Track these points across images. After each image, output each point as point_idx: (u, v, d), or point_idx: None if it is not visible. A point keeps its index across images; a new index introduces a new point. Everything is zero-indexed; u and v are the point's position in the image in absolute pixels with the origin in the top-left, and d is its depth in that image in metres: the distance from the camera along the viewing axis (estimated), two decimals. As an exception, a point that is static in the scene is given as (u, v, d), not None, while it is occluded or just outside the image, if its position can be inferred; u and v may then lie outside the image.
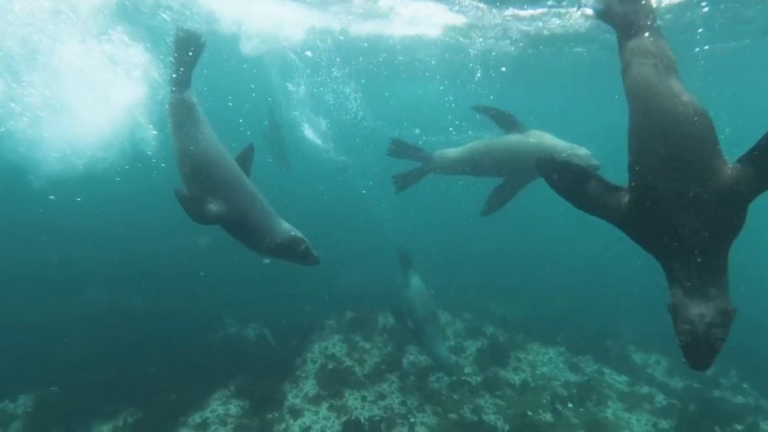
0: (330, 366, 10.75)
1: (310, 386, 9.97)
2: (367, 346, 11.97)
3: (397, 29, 14.88)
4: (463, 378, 10.86)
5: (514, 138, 6.85)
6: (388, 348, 11.87)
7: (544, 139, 6.64)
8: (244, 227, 4.88)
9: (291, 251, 4.81)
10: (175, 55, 5.55)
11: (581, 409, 10.33)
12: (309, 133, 18.26)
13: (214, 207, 4.69)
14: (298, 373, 10.50)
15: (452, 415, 9.60)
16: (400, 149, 7.83)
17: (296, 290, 15.87)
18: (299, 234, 4.90)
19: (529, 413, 10.05)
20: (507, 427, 9.44)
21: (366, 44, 16.35)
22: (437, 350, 9.80)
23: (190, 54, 5.54)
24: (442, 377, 10.71)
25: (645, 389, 11.32)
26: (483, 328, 13.71)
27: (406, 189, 8.07)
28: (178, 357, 10.75)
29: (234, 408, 9.27)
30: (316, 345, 11.78)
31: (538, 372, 11.58)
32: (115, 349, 11.13)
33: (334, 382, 10.06)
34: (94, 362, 10.50)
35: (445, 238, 25.20)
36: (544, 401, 10.51)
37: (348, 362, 10.98)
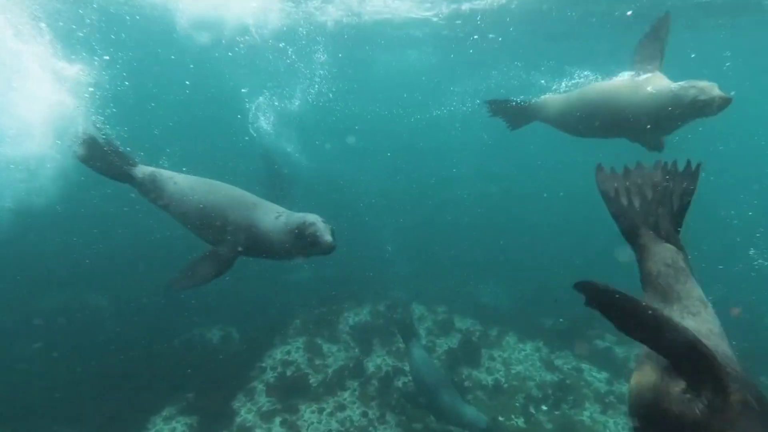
0: (288, 373, 10.08)
1: (264, 399, 9.29)
2: (333, 348, 11.28)
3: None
4: (432, 382, 10.20)
5: (618, 83, 5.47)
6: (355, 350, 11.20)
7: (655, 80, 5.13)
8: (258, 240, 4.62)
9: (303, 239, 4.32)
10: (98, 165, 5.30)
11: (556, 412, 9.73)
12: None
13: (231, 249, 4.62)
14: (254, 384, 9.82)
15: (417, 425, 8.97)
16: (498, 107, 7.06)
17: (264, 290, 15.24)
18: (311, 217, 4.39)
19: (500, 418, 9.46)
20: (475, 436, 8.81)
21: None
22: (462, 413, 8.35)
23: (101, 162, 5.26)
24: (408, 382, 10.07)
25: (625, 387, 10.72)
26: (457, 323, 13.06)
27: (499, 117, 7.18)
28: (129, 368, 10.10)
29: (180, 427, 8.59)
30: (278, 350, 11.09)
31: (512, 371, 10.95)
32: (62, 359, 10.46)
33: (291, 393, 9.39)
34: (35, 372, 9.83)
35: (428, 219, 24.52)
36: (517, 404, 9.90)
37: (308, 370, 10.30)
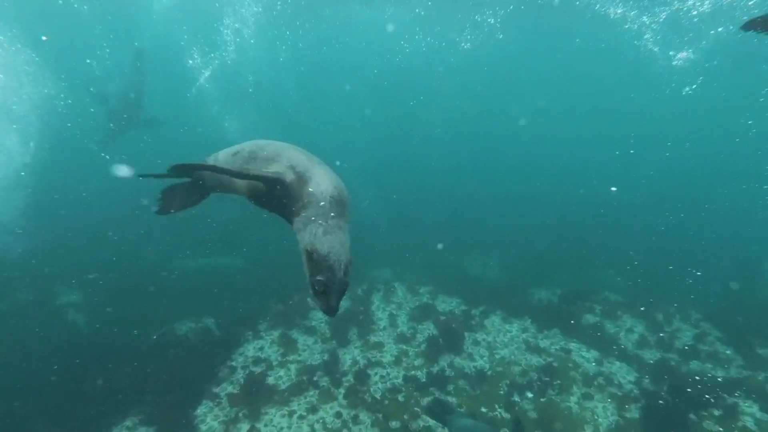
0: (258, 372, 9.54)
1: (231, 405, 8.76)
2: (309, 341, 10.74)
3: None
4: (411, 373, 9.70)
5: None
6: (332, 342, 10.65)
7: None
8: (283, 203, 3.32)
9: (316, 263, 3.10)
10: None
11: (542, 399, 9.24)
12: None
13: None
14: (223, 386, 9.28)
15: (394, 423, 8.49)
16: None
17: (242, 282, 14.70)
18: (335, 255, 2.93)
19: (483, 410, 8.97)
20: None
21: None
22: None
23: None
24: (386, 376, 9.56)
25: (615, 366, 10.23)
26: (440, 305, 12.50)
27: None
28: (93, 372, 9.59)
29: (141, 439, 8.10)
30: (251, 345, 10.55)
31: (496, 356, 10.43)
32: (26, 362, 9.96)
33: (260, 396, 8.87)
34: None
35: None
36: (501, 392, 9.41)
37: (280, 368, 9.76)
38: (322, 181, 3.14)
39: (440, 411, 8.19)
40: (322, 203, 3.02)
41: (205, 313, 12.33)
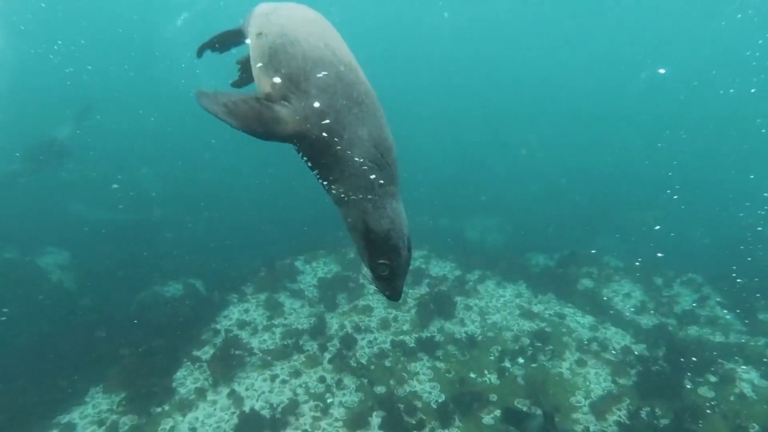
0: (242, 336, 9.29)
1: (211, 368, 8.50)
2: (296, 305, 10.45)
3: None
4: (400, 338, 9.42)
5: None
6: (320, 306, 10.36)
7: None
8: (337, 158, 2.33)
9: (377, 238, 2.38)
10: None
11: (533, 365, 8.97)
12: None
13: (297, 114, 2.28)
14: (205, 349, 9.03)
15: (379, 389, 8.25)
16: None
17: (233, 240, 14.42)
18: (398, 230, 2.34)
19: (472, 375, 8.72)
20: (442, 397, 8.11)
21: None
22: None
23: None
24: (374, 341, 9.29)
25: (610, 331, 9.93)
26: (433, 269, 12.15)
27: None
28: (73, 337, 9.38)
29: (116, 401, 7.87)
30: (236, 308, 10.27)
31: (489, 321, 10.13)
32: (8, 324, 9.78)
33: (242, 360, 8.62)
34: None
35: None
36: (492, 358, 9.14)
37: (264, 332, 9.49)
38: (357, 136, 2.26)
39: (516, 419, 7.47)
40: (364, 169, 2.26)
41: (193, 275, 12.08)
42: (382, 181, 2.28)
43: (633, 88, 35.12)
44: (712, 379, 8.30)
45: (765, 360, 8.76)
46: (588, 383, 8.54)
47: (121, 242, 14.50)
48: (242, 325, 9.69)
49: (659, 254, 13.08)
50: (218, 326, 9.69)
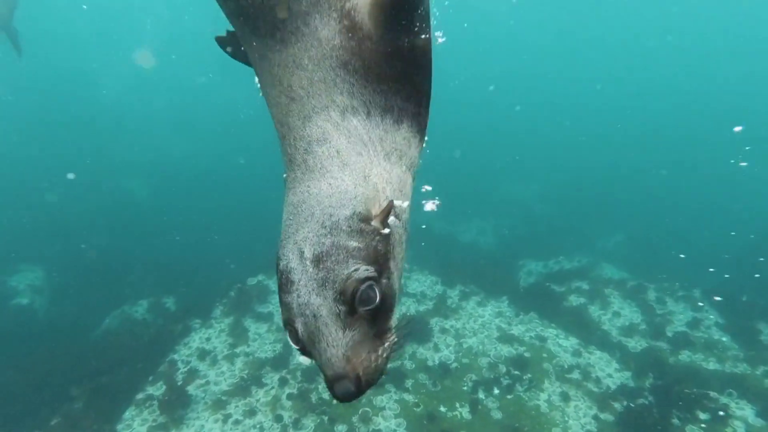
0: (200, 369, 8.78)
1: (162, 407, 8.00)
2: (262, 329, 9.91)
3: None
4: (367, 368, 8.83)
5: None
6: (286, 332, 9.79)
7: None
8: None
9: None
10: None
11: (509, 396, 8.34)
12: None
13: None
14: (158, 384, 8.54)
15: (340, 428, 7.70)
16: None
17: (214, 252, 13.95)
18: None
19: (442, 409, 8.12)
20: (406, 437, 7.54)
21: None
22: None
23: None
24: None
25: (594, 356, 9.24)
26: (412, 284, 11.52)
27: None
28: (27, 376, 8.90)
29: (62, 447, 7.44)
30: (197, 335, 9.77)
31: (464, 346, 9.49)
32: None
33: (195, 398, 8.12)
34: None
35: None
36: (465, 388, 8.52)
37: (224, 363, 8.97)
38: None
39: None
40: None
41: (166, 292, 11.68)
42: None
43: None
44: (702, 416, 7.59)
45: (763, 393, 8.01)
46: (566, 419, 7.89)
47: (99, 254, 14.14)
48: (202, 355, 9.18)
49: (656, 265, 12.35)
50: (176, 356, 9.19)
